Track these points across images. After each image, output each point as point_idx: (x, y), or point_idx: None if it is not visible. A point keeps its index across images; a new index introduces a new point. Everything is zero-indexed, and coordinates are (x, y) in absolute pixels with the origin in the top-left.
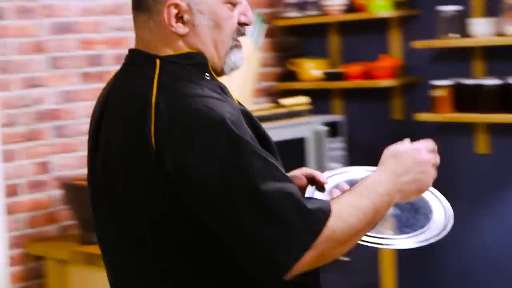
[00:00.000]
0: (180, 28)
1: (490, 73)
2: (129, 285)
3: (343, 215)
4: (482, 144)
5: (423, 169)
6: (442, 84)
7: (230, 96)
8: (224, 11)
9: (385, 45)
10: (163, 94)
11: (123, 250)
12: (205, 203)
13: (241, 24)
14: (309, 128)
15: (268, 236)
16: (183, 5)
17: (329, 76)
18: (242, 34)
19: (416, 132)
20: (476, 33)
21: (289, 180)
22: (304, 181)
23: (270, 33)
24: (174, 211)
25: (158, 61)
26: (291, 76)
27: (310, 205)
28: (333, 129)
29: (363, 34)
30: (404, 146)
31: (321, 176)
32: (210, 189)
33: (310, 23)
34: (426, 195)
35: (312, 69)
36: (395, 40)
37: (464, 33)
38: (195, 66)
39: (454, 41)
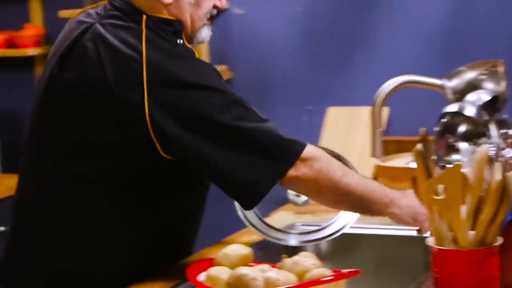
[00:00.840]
0: None
1: None
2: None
3: (334, 166)
4: None
5: (421, 212)
6: None
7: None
8: None
9: (28, 14)
10: (152, 51)
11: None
12: (191, 142)
13: (215, 7)
14: None
15: (247, 161)
16: None
17: None
18: (213, 16)
19: None
20: None
21: (266, 120)
22: None
23: None
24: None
25: (144, 17)
26: None
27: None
28: None
29: (5, 3)
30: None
31: None
32: (196, 128)
33: None
34: None
35: None
36: (36, 9)
37: None
38: (172, 32)
39: None
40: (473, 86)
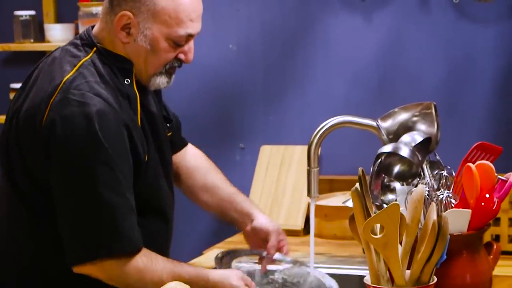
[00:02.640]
0: (123, 37)
1: None
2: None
3: (149, 272)
4: None
5: None
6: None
7: (134, 105)
8: (163, 45)
9: None
10: (71, 83)
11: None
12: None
13: (177, 60)
14: None
15: (78, 230)
16: (134, 21)
17: None
18: (175, 66)
19: None
20: (51, 38)
21: (126, 196)
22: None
23: None
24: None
25: (94, 49)
26: None
27: (127, 229)
28: None
29: None
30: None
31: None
32: (63, 183)
33: None
34: None
35: None
36: None
37: (39, 38)
38: (120, 69)
39: (29, 44)
40: (406, 127)
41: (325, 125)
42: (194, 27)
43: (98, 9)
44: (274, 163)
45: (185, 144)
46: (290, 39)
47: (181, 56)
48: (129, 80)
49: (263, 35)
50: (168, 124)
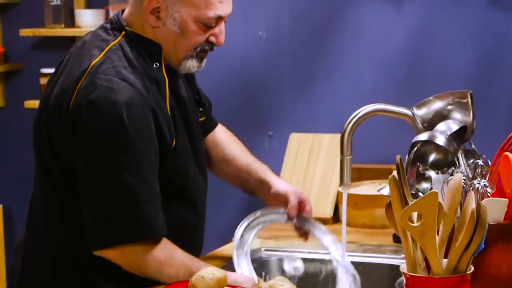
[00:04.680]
0: (152, 20)
1: None
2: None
3: (167, 266)
4: None
5: None
6: (49, 72)
7: (163, 90)
8: (192, 27)
9: None
10: (98, 68)
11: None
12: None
13: (210, 42)
14: None
15: (99, 215)
16: (163, 5)
17: None
18: (206, 50)
19: (20, 120)
20: (81, 23)
21: (150, 183)
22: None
23: None
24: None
25: (123, 33)
26: None
27: (149, 216)
28: None
29: None
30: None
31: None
32: (87, 163)
33: None
34: None
35: None
36: None
37: (69, 23)
38: (148, 53)
39: (59, 30)
40: (441, 116)
41: (359, 112)
42: (224, 9)
43: None
44: (302, 151)
45: (215, 125)
46: (319, 27)
47: (212, 38)
48: (158, 64)
49: (292, 22)
50: (201, 109)
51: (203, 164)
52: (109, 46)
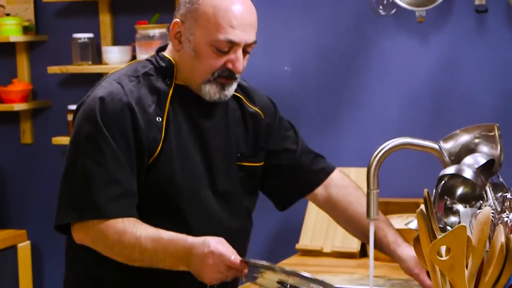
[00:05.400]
0: (175, 44)
1: None
2: None
3: (125, 238)
4: None
5: (205, 266)
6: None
7: (163, 100)
8: (206, 50)
9: (15, 69)
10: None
11: None
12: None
13: (226, 69)
14: None
15: (64, 193)
16: (182, 28)
17: None
18: (224, 76)
19: (48, 156)
20: (108, 60)
21: (110, 169)
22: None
23: None
24: None
25: (154, 54)
26: None
27: (101, 199)
28: None
29: None
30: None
31: None
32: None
33: None
34: None
35: None
36: (23, 65)
37: (96, 60)
38: (164, 70)
39: (87, 67)
40: (468, 149)
41: (385, 146)
42: (236, 35)
43: (155, 31)
44: None
45: (327, 174)
46: (344, 61)
47: (229, 65)
48: (169, 81)
49: (317, 57)
50: (241, 154)
51: (222, 191)
52: (136, 60)
